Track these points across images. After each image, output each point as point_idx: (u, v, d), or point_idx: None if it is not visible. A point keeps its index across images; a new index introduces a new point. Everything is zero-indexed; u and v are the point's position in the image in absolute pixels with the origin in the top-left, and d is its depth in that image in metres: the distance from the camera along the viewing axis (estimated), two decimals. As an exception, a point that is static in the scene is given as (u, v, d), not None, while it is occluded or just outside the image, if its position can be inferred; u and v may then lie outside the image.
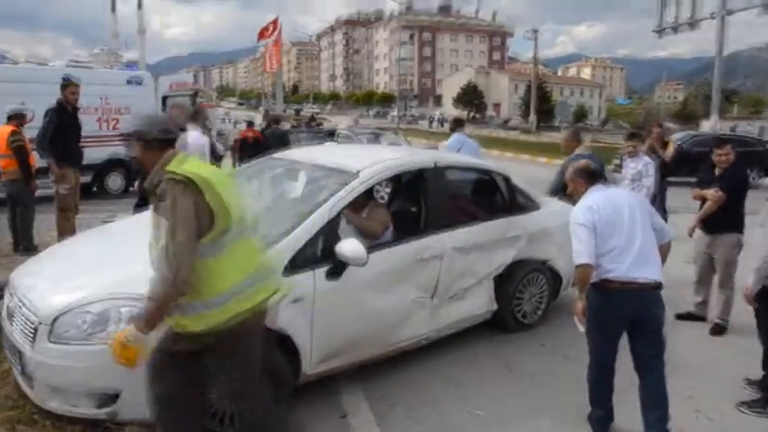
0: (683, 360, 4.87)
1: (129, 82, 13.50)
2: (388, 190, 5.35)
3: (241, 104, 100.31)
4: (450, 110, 74.96)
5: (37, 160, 7.78)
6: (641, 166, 6.94)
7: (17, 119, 7.88)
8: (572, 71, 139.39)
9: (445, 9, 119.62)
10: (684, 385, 4.35)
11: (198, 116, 7.79)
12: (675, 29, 24.97)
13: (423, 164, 4.72)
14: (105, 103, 12.98)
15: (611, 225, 3.50)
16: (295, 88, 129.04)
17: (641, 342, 3.56)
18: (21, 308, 3.43)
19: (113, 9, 34.11)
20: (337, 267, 3.78)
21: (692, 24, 24.75)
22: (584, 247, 3.46)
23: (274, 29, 30.67)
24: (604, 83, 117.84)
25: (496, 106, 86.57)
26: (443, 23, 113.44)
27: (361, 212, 4.56)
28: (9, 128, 7.98)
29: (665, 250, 3.74)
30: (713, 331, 5.53)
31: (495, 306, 5.12)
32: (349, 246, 3.71)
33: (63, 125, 7.18)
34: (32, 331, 3.25)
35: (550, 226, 5.44)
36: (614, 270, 3.45)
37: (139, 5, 39.09)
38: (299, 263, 3.67)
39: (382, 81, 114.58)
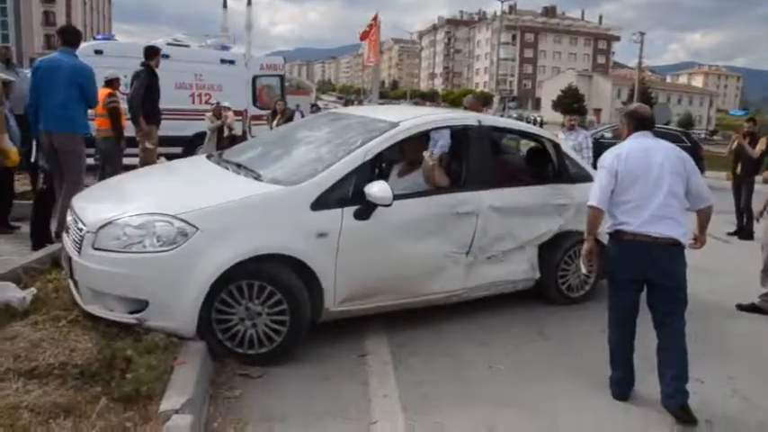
0: (731, 346, 4.59)
1: (222, 61, 14.18)
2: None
3: (340, 98, 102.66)
4: (548, 113, 73.02)
5: (126, 126, 8.43)
6: (581, 139, 7.89)
7: (113, 83, 8.57)
8: (682, 79, 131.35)
9: (550, 11, 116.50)
10: (727, 368, 4.10)
11: None
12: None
13: (466, 121, 4.70)
14: (199, 79, 13.72)
15: (634, 177, 3.43)
16: (394, 85, 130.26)
17: (657, 298, 3.47)
18: (75, 222, 3.77)
19: (225, 5, 36.08)
20: (366, 208, 3.86)
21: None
22: (599, 190, 3.49)
23: (374, 24, 31.33)
24: (717, 93, 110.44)
25: (597, 111, 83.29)
26: (547, 25, 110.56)
27: (414, 169, 4.67)
28: (106, 90, 8.72)
29: (702, 215, 3.63)
30: None
31: (537, 275, 5.01)
32: (376, 186, 3.80)
33: (151, 86, 7.71)
34: (80, 239, 3.57)
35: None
36: (628, 223, 3.43)
37: (249, 2, 40.97)
38: (327, 200, 3.79)
39: (481, 81, 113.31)
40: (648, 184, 3.42)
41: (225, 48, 15.13)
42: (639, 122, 3.61)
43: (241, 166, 4.32)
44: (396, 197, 4.04)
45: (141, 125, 7.69)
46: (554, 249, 5.05)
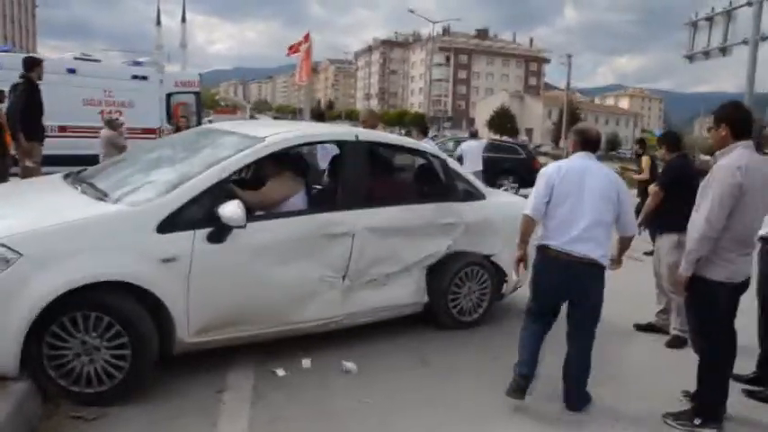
0: (621, 370, 4.53)
1: (134, 77, 13.63)
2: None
3: (277, 118, 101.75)
4: (482, 133, 74.59)
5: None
6: None
7: None
8: (610, 101, 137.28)
9: (482, 33, 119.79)
10: (613, 394, 4.02)
11: None
12: (707, 54, 24.22)
13: (342, 136, 4.50)
14: (109, 95, 13.11)
15: (565, 195, 3.59)
16: (330, 105, 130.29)
17: (573, 312, 3.72)
18: None
19: (158, 22, 35.33)
20: (220, 230, 3.58)
21: (724, 50, 23.96)
22: (534, 199, 3.67)
23: (305, 42, 31.17)
24: (642, 114, 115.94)
25: (529, 131, 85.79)
26: (480, 47, 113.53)
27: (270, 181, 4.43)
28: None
29: (624, 241, 3.90)
30: (670, 344, 5.12)
31: (425, 298, 4.83)
32: (229, 207, 3.53)
33: (32, 100, 7.18)
34: None
35: (495, 218, 5.14)
36: (554, 239, 3.61)
37: (183, 19, 40.12)
38: (177, 221, 3.51)
39: (417, 101, 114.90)
40: (578, 204, 3.57)
41: (138, 63, 14.55)
42: (585, 143, 3.76)
43: (91, 185, 3.96)
44: (256, 218, 3.81)
45: (20, 141, 7.10)
46: (443, 271, 4.89)
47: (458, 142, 15.57)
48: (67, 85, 12.21)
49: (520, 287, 5.59)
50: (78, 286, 3.14)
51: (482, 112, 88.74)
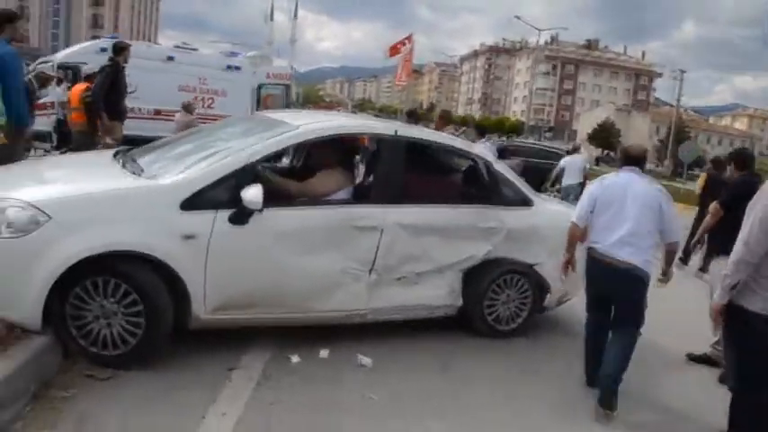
0: (665, 404, 4.23)
1: (228, 67, 14.28)
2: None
3: (377, 116, 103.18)
4: (584, 145, 71.92)
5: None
6: None
7: (91, 78, 8.58)
8: (725, 120, 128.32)
9: (592, 44, 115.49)
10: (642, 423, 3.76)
11: None
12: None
13: (380, 131, 4.46)
14: (203, 83, 13.81)
15: (609, 205, 3.96)
16: (431, 107, 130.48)
17: (616, 311, 4.04)
18: None
19: (271, 18, 36.75)
20: (241, 213, 3.64)
21: None
22: (579, 209, 4.15)
23: (407, 44, 31.34)
24: (761, 136, 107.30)
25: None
26: (588, 57, 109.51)
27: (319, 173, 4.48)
28: (83, 85, 8.77)
29: (668, 250, 4.10)
30: (722, 378, 4.67)
31: (459, 302, 4.70)
32: (251, 190, 3.59)
33: (116, 82, 7.63)
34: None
35: (541, 226, 4.92)
36: (598, 242, 3.99)
37: (294, 16, 41.33)
38: (200, 201, 3.60)
39: (519, 109, 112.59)
40: (620, 212, 3.90)
41: (234, 54, 15.23)
42: (628, 159, 4.17)
43: (134, 161, 4.15)
44: (282, 204, 3.85)
45: (103, 120, 7.61)
46: (480, 276, 4.73)
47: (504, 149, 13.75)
48: (166, 71, 13.01)
49: (566, 301, 5.32)
50: (97, 253, 3.29)
51: (585, 124, 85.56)
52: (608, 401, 3.83)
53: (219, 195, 3.65)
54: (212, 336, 3.92)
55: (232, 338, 3.99)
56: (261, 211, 3.61)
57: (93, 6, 70.88)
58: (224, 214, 3.63)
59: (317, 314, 4.15)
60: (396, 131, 4.42)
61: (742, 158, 4.99)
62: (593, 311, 4.21)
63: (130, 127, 9.13)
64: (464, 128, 9.48)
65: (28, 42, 59.87)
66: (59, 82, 11.75)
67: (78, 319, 3.40)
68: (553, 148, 20.04)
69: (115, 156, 4.36)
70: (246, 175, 3.73)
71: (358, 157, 5.19)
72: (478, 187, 4.85)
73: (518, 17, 52.94)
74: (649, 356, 4.74)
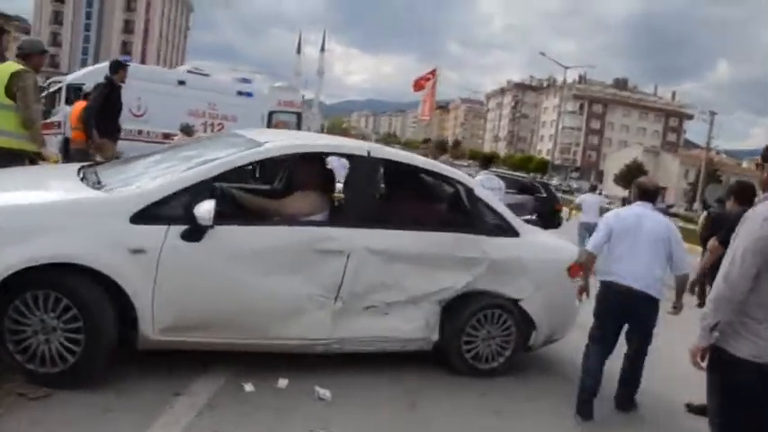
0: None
1: (239, 93, 14.44)
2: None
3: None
4: (610, 186, 71.27)
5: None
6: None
7: (88, 96, 8.66)
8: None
9: (621, 83, 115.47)
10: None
11: None
12: None
13: (351, 150, 4.33)
14: (212, 108, 13.95)
15: (623, 236, 4.26)
16: (456, 144, 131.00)
17: (631, 335, 4.42)
18: None
19: (298, 51, 37.62)
20: (195, 229, 3.53)
21: None
22: (595, 239, 4.40)
23: (431, 79, 31.63)
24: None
25: (663, 189, 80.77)
26: (617, 97, 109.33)
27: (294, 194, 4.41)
28: (83, 103, 8.86)
29: (679, 281, 4.39)
30: None
31: (435, 336, 4.48)
32: (203, 206, 3.48)
33: (110, 100, 7.67)
34: None
35: (528, 258, 4.71)
36: (613, 273, 4.26)
37: (321, 49, 42.08)
38: (152, 215, 3.50)
39: (545, 148, 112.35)
40: (635, 244, 4.19)
41: (245, 81, 15.42)
42: (642, 193, 4.45)
43: (96, 174, 4.08)
44: (239, 222, 3.74)
45: (93, 137, 7.62)
46: (459, 310, 4.53)
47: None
48: (176, 95, 13.19)
49: (555, 341, 5.08)
50: (38, 264, 3.19)
51: (613, 164, 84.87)
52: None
53: (173, 210, 3.55)
54: (165, 358, 3.78)
55: (185, 362, 3.85)
56: (212, 227, 3.49)
57: (123, 34, 73.32)
58: (177, 229, 3.52)
59: (278, 341, 3.98)
60: (368, 151, 4.30)
61: (741, 191, 4.78)
62: (601, 341, 4.32)
63: (138, 149, 9.16)
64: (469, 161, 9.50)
65: (58, 68, 61.95)
66: (68, 102, 11.97)
67: (16, 333, 3.28)
68: (533, 181, 19.32)
69: (79, 168, 4.30)
70: (202, 190, 3.63)
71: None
72: (459, 214, 4.68)
73: (543, 54, 52.91)
74: (645, 406, 4.58)
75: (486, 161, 9.44)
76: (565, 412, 4.21)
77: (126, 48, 71.94)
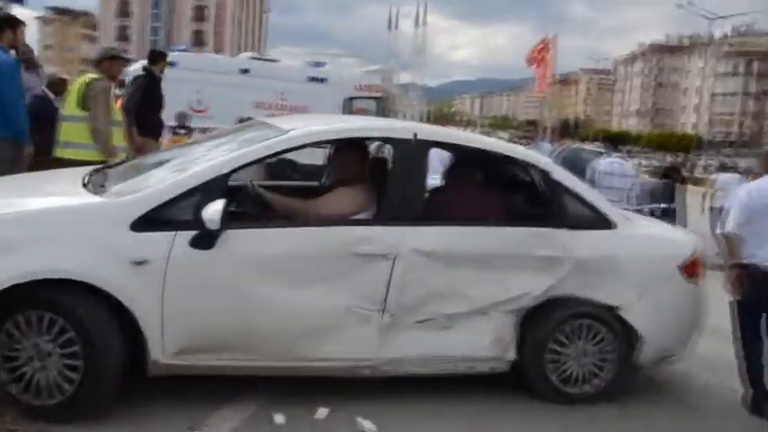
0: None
1: (311, 79, 14.53)
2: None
3: (525, 138, 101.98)
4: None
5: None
6: None
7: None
8: None
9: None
10: None
11: None
12: None
13: (395, 134, 4.13)
14: (282, 99, 14.11)
15: (761, 213, 4.27)
16: (576, 124, 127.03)
17: None
18: None
19: (391, 26, 36.98)
20: (205, 234, 3.48)
21: None
22: (734, 219, 4.37)
23: (547, 48, 30.79)
24: None
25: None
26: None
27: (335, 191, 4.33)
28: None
29: None
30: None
31: (511, 355, 4.21)
32: (211, 207, 3.41)
33: (150, 94, 7.77)
34: None
35: (627, 256, 4.34)
36: (756, 256, 4.25)
37: (418, 23, 41.16)
38: (157, 220, 3.50)
39: (689, 121, 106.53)
40: None
41: (319, 64, 15.52)
42: None
43: (104, 176, 4.15)
44: (259, 224, 3.65)
45: (133, 135, 7.68)
46: (540, 322, 4.22)
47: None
48: (240, 86, 13.46)
49: (672, 358, 4.63)
50: (31, 280, 3.24)
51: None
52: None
53: (181, 214, 3.52)
54: (185, 387, 3.76)
55: (210, 391, 3.81)
56: (224, 231, 3.44)
57: (194, 22, 76.97)
58: (185, 236, 3.48)
59: (311, 363, 3.86)
60: (415, 134, 4.08)
61: None
62: (748, 331, 4.45)
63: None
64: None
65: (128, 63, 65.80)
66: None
67: (10, 360, 3.35)
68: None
69: (91, 173, 4.39)
70: (215, 189, 3.57)
71: None
72: (534, 204, 4.37)
73: (681, 6, 49.75)
74: None
75: (612, 142, 8.73)
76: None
77: (198, 37, 75.36)
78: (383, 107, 16.14)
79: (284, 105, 14.17)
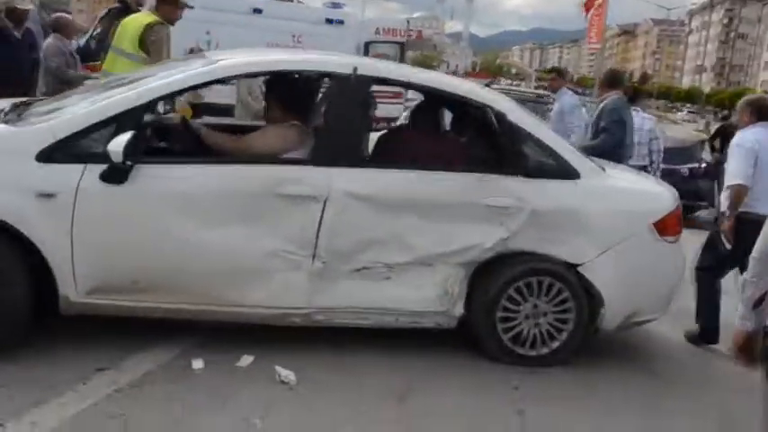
0: None
1: (328, 21, 14.38)
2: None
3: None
4: None
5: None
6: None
7: None
8: None
9: None
10: None
11: None
12: None
13: (332, 68, 4.05)
14: (297, 41, 14.01)
15: (764, 165, 4.45)
16: (643, 78, 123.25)
17: None
18: None
19: None
20: (116, 168, 3.49)
21: None
22: (743, 167, 4.47)
23: (600, -5, 29.78)
24: None
25: None
26: None
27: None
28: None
29: None
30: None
31: (459, 310, 4.16)
32: (117, 139, 3.42)
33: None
34: None
35: (590, 209, 4.22)
36: (758, 207, 4.37)
37: None
38: (65, 152, 3.53)
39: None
40: None
41: (336, 5, 15.33)
42: (760, 112, 4.64)
43: (26, 109, 4.17)
44: (176, 161, 3.65)
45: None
46: (491, 277, 4.15)
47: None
48: (252, 27, 13.38)
49: (643, 322, 4.54)
50: None
51: None
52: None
53: (91, 146, 3.54)
54: (102, 329, 3.83)
55: (128, 335, 3.86)
56: (125, 163, 3.44)
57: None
58: (96, 170, 3.50)
59: (240, 309, 3.88)
60: (355, 68, 3.98)
61: None
62: (719, 272, 4.87)
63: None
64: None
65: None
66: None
67: None
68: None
69: (15, 105, 4.41)
70: (128, 121, 3.57)
71: None
72: (487, 148, 4.25)
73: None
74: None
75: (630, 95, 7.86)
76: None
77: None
78: (404, 54, 15.90)
79: (299, 48, 14.09)
